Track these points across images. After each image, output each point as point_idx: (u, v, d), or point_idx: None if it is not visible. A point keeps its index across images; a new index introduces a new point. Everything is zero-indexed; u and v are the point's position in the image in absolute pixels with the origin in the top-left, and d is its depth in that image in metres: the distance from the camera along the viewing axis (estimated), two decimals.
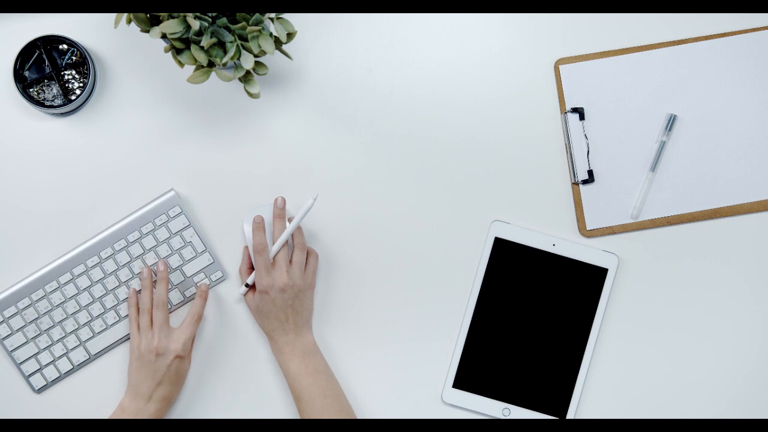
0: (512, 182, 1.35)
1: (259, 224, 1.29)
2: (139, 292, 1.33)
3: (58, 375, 1.33)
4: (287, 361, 1.30)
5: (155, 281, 1.32)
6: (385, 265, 1.35)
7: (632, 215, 1.35)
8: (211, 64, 1.22)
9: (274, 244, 1.29)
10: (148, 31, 1.21)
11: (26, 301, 1.32)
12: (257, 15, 1.21)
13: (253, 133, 1.35)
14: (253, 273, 1.30)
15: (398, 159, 1.35)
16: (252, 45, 1.20)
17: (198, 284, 1.33)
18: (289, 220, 1.33)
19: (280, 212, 1.30)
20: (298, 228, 1.30)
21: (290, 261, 1.29)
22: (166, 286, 1.31)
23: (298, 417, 1.32)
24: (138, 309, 1.32)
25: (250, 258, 1.33)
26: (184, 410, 1.33)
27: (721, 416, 1.34)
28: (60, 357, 1.33)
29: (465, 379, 1.34)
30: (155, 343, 1.28)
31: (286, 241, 1.29)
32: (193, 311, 1.30)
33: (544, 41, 1.36)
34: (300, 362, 1.29)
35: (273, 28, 1.25)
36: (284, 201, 1.31)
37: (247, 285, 1.32)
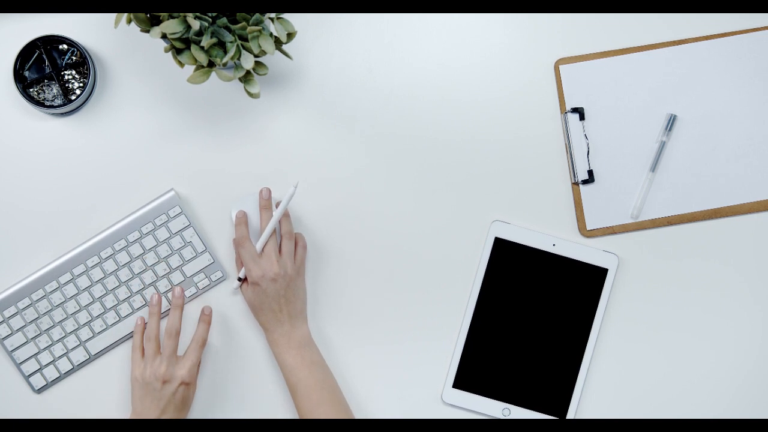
0: (512, 182, 1.35)
1: (240, 219, 1.29)
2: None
3: (58, 375, 1.33)
4: (283, 353, 1.30)
5: (164, 308, 1.31)
6: (385, 265, 1.35)
7: (632, 215, 1.35)
8: (211, 64, 1.22)
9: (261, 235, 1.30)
10: (148, 31, 1.21)
11: (26, 301, 1.32)
12: (257, 15, 1.21)
13: (253, 133, 1.35)
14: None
15: (398, 159, 1.35)
16: (252, 45, 1.20)
17: (202, 309, 1.31)
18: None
19: (266, 203, 1.30)
20: (287, 217, 1.30)
21: (280, 251, 1.29)
22: (180, 314, 1.29)
23: (295, 414, 1.32)
24: (143, 336, 1.30)
25: None
26: None
27: (721, 416, 1.34)
28: (60, 357, 1.33)
29: (465, 379, 1.34)
30: (162, 370, 1.25)
31: (274, 231, 1.29)
32: (198, 336, 1.29)
33: (544, 41, 1.36)
34: (296, 354, 1.29)
35: (273, 28, 1.25)
36: (269, 191, 1.30)
37: (240, 279, 1.32)
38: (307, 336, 1.31)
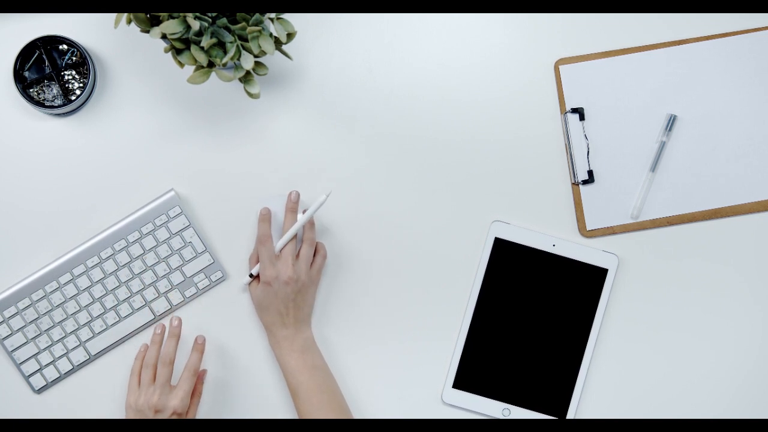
0: (512, 182, 1.35)
1: (264, 216, 1.29)
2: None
3: (58, 375, 1.33)
4: (285, 355, 1.30)
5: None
6: (385, 265, 1.35)
7: (632, 215, 1.35)
8: (211, 65, 1.22)
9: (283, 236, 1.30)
10: (148, 31, 1.21)
11: (26, 302, 1.32)
12: (257, 15, 1.21)
13: (253, 133, 1.35)
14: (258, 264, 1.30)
15: (398, 159, 1.35)
16: (252, 45, 1.20)
17: (195, 338, 1.30)
18: (303, 212, 1.32)
19: (293, 206, 1.30)
20: (310, 224, 1.30)
21: (297, 255, 1.29)
22: (176, 343, 1.28)
23: (295, 415, 1.32)
24: (142, 363, 1.29)
25: None
26: None
27: (721, 416, 1.34)
28: (60, 357, 1.33)
29: (465, 379, 1.34)
30: (155, 400, 1.25)
31: (295, 235, 1.29)
32: (190, 365, 1.28)
33: (544, 41, 1.36)
34: (298, 357, 1.29)
35: (273, 28, 1.25)
36: (298, 195, 1.31)
37: (251, 275, 1.31)
38: (310, 339, 1.31)
